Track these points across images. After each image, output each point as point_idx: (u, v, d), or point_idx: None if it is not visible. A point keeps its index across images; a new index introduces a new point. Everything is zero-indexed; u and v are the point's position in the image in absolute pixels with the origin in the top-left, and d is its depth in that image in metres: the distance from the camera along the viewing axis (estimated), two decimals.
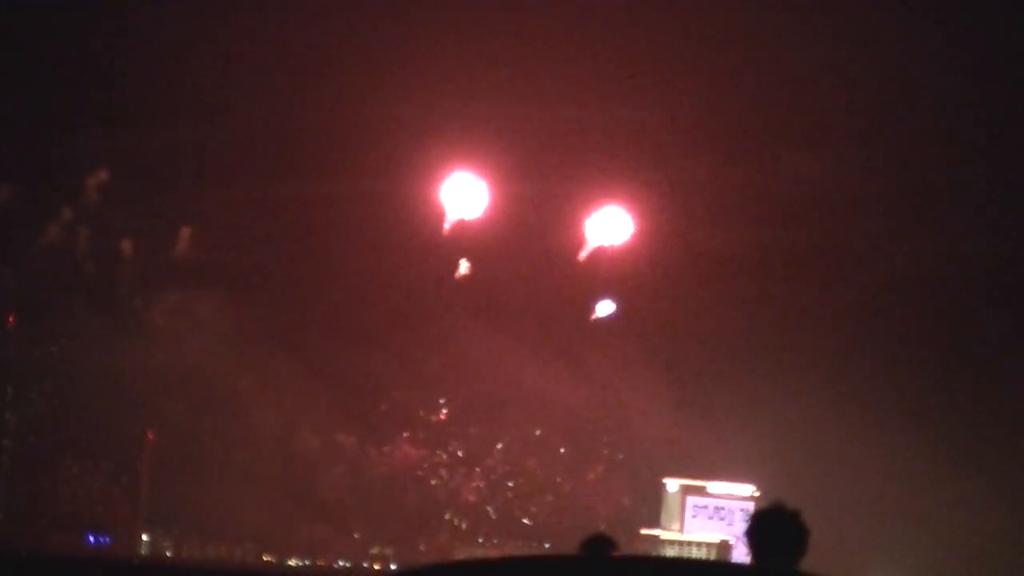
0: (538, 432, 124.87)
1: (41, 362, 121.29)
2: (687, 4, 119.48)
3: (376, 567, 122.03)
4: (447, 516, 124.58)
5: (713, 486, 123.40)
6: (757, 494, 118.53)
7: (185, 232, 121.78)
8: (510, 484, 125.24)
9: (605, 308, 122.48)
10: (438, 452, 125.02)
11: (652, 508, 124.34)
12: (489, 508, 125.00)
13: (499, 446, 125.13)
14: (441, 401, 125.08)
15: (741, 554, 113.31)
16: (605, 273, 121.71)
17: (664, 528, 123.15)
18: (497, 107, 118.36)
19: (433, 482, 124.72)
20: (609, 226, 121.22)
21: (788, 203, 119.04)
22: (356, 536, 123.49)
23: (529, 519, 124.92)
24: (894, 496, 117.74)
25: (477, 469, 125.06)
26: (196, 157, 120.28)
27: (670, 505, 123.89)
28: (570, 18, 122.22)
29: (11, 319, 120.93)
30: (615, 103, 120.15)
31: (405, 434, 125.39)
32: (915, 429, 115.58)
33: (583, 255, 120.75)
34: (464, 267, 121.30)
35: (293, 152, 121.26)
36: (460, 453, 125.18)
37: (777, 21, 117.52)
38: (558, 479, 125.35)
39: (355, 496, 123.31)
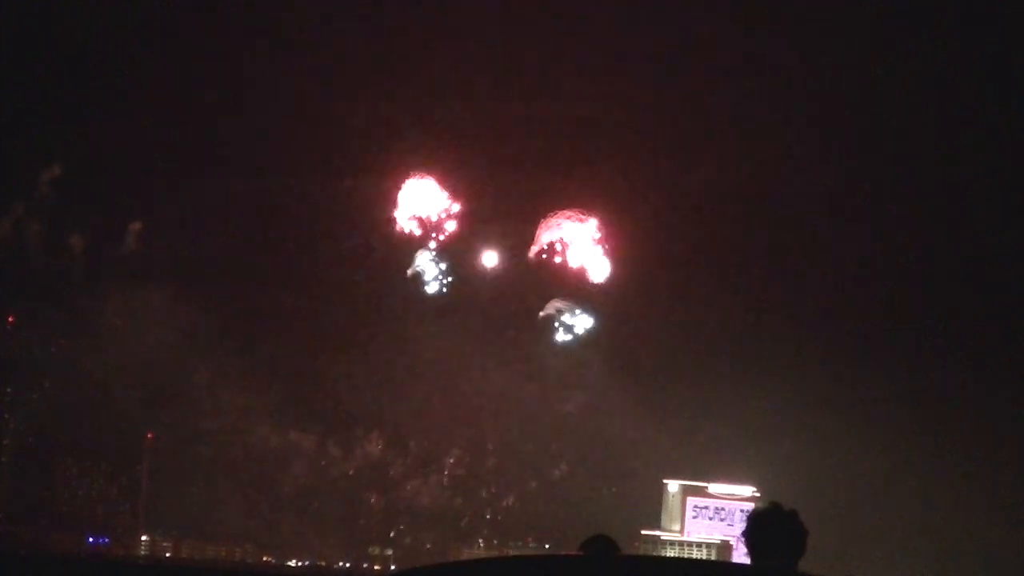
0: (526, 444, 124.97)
1: (33, 362, 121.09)
2: (653, 8, 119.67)
3: (376, 567, 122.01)
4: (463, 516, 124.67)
5: (714, 487, 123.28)
6: (757, 494, 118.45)
7: (135, 227, 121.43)
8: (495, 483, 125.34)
9: (590, 313, 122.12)
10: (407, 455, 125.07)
11: (653, 509, 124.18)
12: (500, 510, 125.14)
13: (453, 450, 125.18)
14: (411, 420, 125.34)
15: (742, 554, 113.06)
16: (588, 274, 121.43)
17: (665, 529, 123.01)
18: (455, 109, 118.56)
19: (423, 482, 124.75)
20: (577, 228, 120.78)
21: (786, 203, 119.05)
22: (333, 544, 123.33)
23: (529, 521, 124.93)
24: (893, 496, 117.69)
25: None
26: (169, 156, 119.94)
27: (671, 506, 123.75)
28: (537, 20, 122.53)
29: (10, 319, 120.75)
30: (578, 104, 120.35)
31: (409, 440, 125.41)
32: (915, 430, 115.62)
33: (532, 252, 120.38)
34: (423, 269, 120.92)
35: (253, 151, 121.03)
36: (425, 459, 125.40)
37: (748, 21, 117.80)
38: (545, 484, 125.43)
39: (326, 495, 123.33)
